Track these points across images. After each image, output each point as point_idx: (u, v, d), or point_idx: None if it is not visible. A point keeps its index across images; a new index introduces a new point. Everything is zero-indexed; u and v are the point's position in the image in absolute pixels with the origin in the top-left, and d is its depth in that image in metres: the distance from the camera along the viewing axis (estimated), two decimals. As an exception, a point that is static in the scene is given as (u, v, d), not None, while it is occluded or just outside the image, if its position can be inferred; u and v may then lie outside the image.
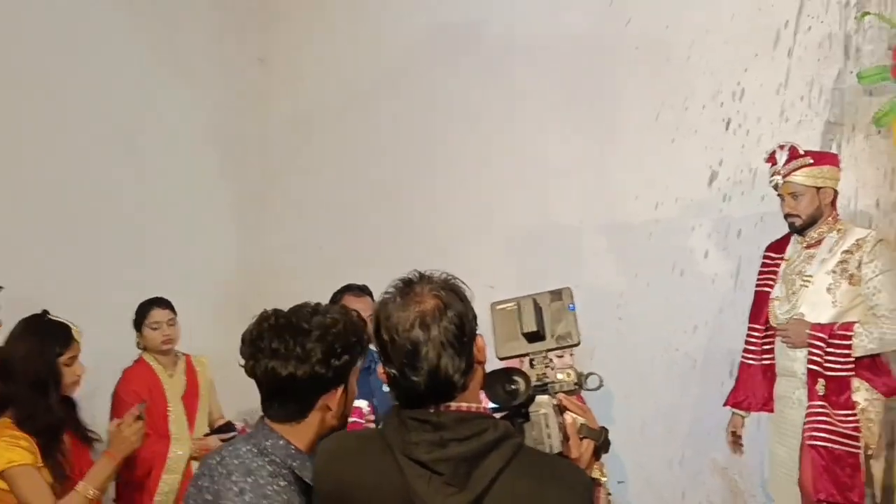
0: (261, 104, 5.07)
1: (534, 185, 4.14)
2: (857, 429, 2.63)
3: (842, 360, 2.65)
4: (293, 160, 4.97)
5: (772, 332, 2.90)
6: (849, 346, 2.64)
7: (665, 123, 3.75)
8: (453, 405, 1.28)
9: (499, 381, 1.37)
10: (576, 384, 1.50)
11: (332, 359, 1.52)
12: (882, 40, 3.25)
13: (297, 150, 4.95)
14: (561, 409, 1.42)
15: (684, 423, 3.72)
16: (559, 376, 1.49)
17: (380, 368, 1.36)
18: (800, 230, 2.84)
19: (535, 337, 1.49)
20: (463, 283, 1.40)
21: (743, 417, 3.03)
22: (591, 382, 1.53)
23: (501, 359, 1.58)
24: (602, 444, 1.42)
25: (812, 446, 2.65)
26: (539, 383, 1.48)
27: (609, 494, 3.15)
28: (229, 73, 4.83)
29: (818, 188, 2.77)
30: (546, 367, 1.50)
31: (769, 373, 2.91)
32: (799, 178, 2.77)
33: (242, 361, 1.55)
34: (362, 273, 4.57)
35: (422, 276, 1.35)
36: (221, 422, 3.21)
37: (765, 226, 3.36)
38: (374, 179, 4.68)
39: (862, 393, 2.68)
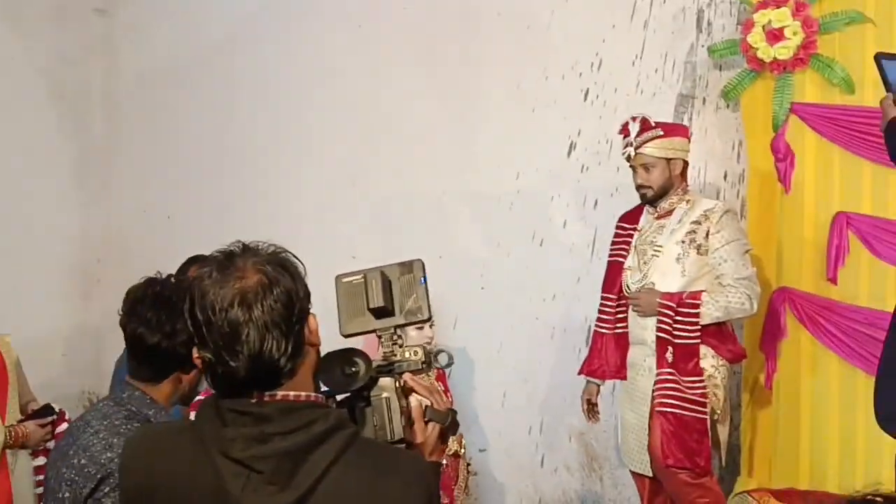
0: (106, 58, 4.70)
1: (397, 152, 4.05)
2: (703, 395, 2.71)
3: (689, 328, 2.72)
4: (142, 120, 4.65)
5: (625, 302, 2.95)
6: (696, 315, 2.71)
7: (526, 92, 3.73)
8: (279, 393, 1.18)
9: (337, 364, 1.27)
10: (424, 363, 1.41)
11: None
12: (732, 15, 3.33)
13: (146, 108, 4.63)
14: (406, 392, 1.34)
15: (543, 391, 3.77)
16: (407, 355, 1.41)
17: (194, 352, 1.24)
18: (651, 201, 2.89)
19: (382, 312, 1.40)
20: (295, 256, 1.28)
21: (598, 385, 3.08)
22: (441, 360, 1.46)
23: (346, 336, 1.48)
24: (449, 426, 1.36)
25: (661, 413, 2.72)
26: (384, 363, 1.39)
27: (469, 465, 3.16)
28: (65, 24, 4.43)
29: (669, 160, 2.82)
30: (394, 344, 1.42)
31: (622, 341, 2.96)
32: (650, 149, 2.81)
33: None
34: (216, 243, 4.36)
35: (245, 249, 1.23)
36: (36, 405, 2.90)
37: (620, 196, 3.40)
38: (229, 144, 4.45)
39: (708, 360, 2.77)
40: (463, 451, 2.90)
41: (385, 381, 1.32)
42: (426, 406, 1.34)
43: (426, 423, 1.33)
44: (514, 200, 3.81)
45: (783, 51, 3.04)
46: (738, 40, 3.19)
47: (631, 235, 2.95)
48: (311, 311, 1.25)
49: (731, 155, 3.36)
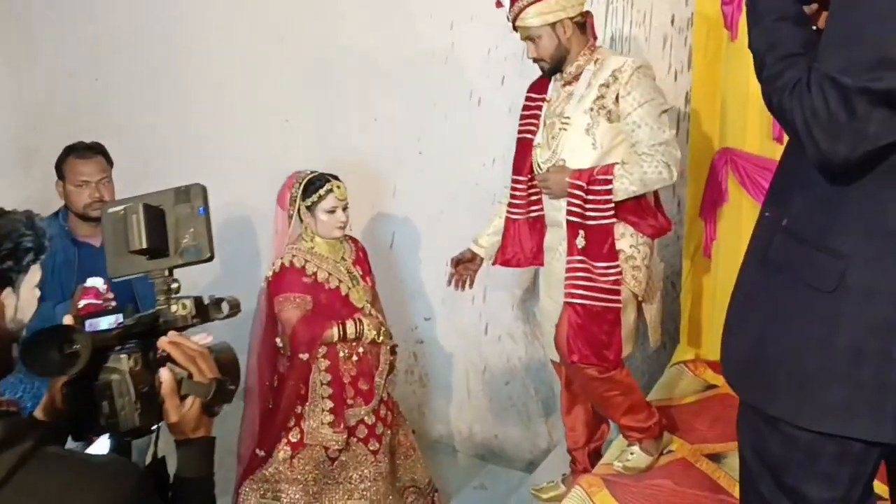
0: None
1: (324, 5, 3.68)
2: (617, 282, 2.42)
3: (602, 206, 2.39)
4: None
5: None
6: (609, 192, 2.37)
7: (458, -70, 3.30)
8: None
9: (51, 344, 1.06)
10: (194, 317, 1.24)
11: None
12: None
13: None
14: (158, 363, 1.16)
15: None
16: (173, 309, 1.23)
17: None
18: (551, 72, 2.52)
19: (152, 253, 1.22)
20: None
21: (476, 255, 2.81)
22: (223, 309, 1.27)
23: (115, 279, 1.28)
24: (214, 397, 1.18)
25: (569, 304, 2.45)
26: (133, 325, 1.18)
27: (394, 348, 3.01)
28: None
29: (553, 24, 2.41)
30: (167, 292, 1.24)
31: (538, 225, 2.65)
32: (529, 19, 2.40)
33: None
34: (146, 105, 4.13)
35: None
36: None
37: None
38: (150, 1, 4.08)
39: (627, 239, 2.46)
40: (381, 337, 2.76)
41: (119, 358, 1.11)
42: (181, 378, 1.16)
43: (183, 398, 1.16)
44: (449, 55, 3.48)
45: None
46: None
47: (539, 108, 2.58)
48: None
49: (680, -2, 2.98)
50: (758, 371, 1.41)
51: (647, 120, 2.34)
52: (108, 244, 1.24)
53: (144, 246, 1.20)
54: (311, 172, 2.74)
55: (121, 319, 1.26)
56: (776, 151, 2.68)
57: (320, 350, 2.68)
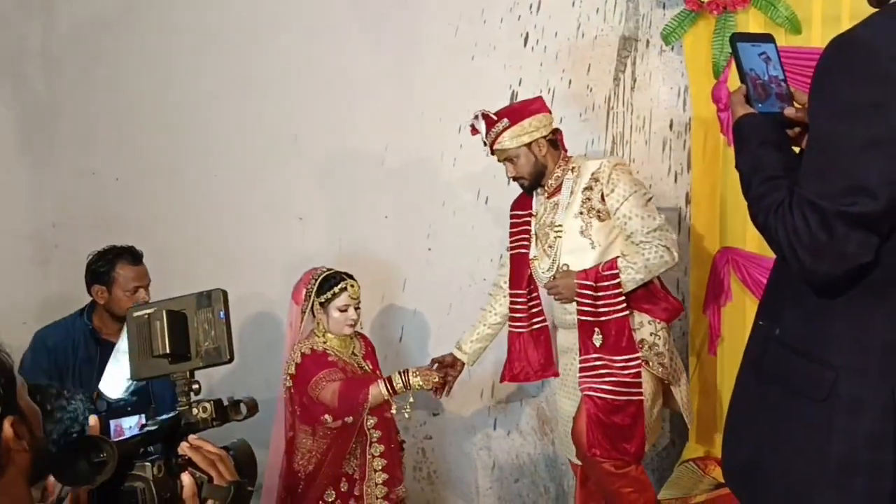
0: (42, 13, 4.49)
1: (337, 107, 3.84)
2: (638, 374, 2.49)
3: (614, 300, 2.50)
4: (82, 75, 4.45)
5: (536, 295, 2.74)
6: (618, 285, 2.48)
7: (464, 38, 3.48)
8: None
9: (80, 454, 1.10)
10: (214, 420, 1.28)
11: None
12: (676, -52, 3.03)
13: (85, 63, 4.42)
14: (180, 467, 1.20)
15: (493, 352, 3.63)
16: (194, 412, 1.27)
17: None
18: (531, 188, 2.67)
19: (175, 357, 1.26)
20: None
21: (458, 360, 2.86)
22: (242, 411, 1.31)
23: (138, 380, 1.35)
24: (232, 501, 1.21)
25: (589, 397, 2.51)
26: (156, 431, 1.22)
27: (403, 443, 3.04)
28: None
29: (528, 144, 2.58)
30: (189, 392, 1.28)
31: (542, 337, 2.74)
32: (505, 143, 2.58)
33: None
34: (164, 204, 4.26)
35: None
36: None
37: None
38: (171, 99, 4.25)
39: (646, 328, 2.55)
40: (430, 385, 2.78)
41: (142, 467, 1.16)
42: (203, 482, 1.20)
43: (202, 501, 1.20)
44: (458, 156, 3.61)
45: (724, -13, 2.76)
46: (681, -24, 2.90)
47: (528, 223, 2.72)
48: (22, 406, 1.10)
49: (677, 102, 3.12)
50: (756, 479, 1.44)
51: (635, 211, 2.46)
52: (131, 347, 1.29)
53: (168, 351, 1.24)
54: (327, 270, 2.83)
55: (143, 420, 1.31)
56: (776, 251, 2.77)
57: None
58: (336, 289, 2.76)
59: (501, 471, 3.69)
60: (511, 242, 2.79)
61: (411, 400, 2.82)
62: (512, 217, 2.81)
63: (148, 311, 1.27)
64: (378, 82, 3.72)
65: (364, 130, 3.81)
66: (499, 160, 2.67)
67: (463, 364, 2.85)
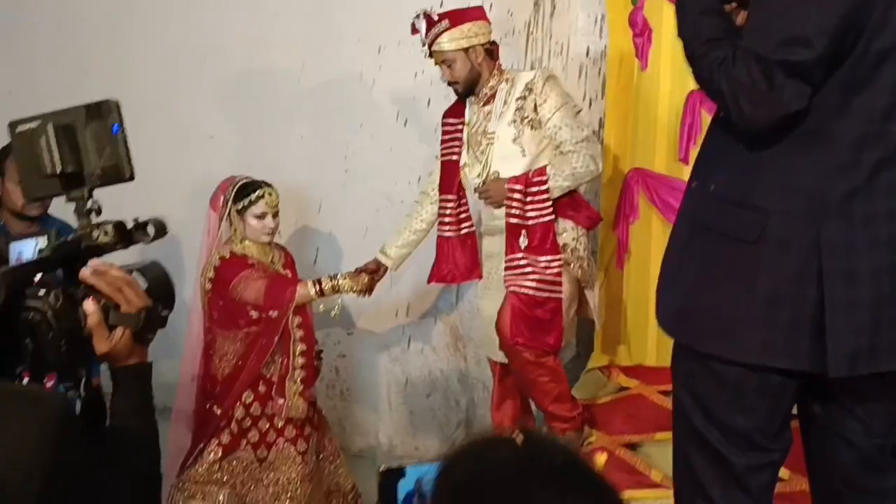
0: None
1: (250, 26, 3.76)
2: (559, 274, 2.66)
3: (541, 205, 2.64)
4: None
5: (465, 201, 2.85)
6: (546, 191, 2.62)
7: (387, -41, 3.47)
8: None
9: None
10: (117, 243, 1.15)
11: None
12: None
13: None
14: (82, 295, 1.10)
15: (409, 274, 3.72)
16: (94, 235, 1.14)
17: None
18: (464, 94, 2.77)
19: (69, 175, 1.13)
20: None
21: (381, 265, 2.98)
22: (148, 232, 1.19)
23: (31, 201, 1.27)
24: (144, 327, 1.13)
25: (513, 292, 2.66)
26: (51, 256, 1.10)
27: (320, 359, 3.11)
28: None
29: (465, 49, 2.67)
30: (87, 215, 1.15)
31: (469, 241, 2.86)
32: (444, 44, 2.67)
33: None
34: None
35: None
36: None
37: None
38: (75, 13, 4.04)
39: (569, 233, 2.71)
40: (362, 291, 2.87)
41: (36, 296, 1.06)
42: (109, 308, 1.10)
43: (112, 328, 1.11)
44: (376, 77, 3.63)
45: (642, -85, 2.89)
46: None
47: (460, 131, 2.82)
48: None
49: (594, 30, 3.24)
50: (691, 317, 1.61)
51: (566, 121, 2.60)
52: (19, 165, 1.18)
53: (58, 171, 1.12)
54: (245, 178, 2.83)
55: (40, 245, 1.25)
56: (683, 172, 2.98)
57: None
58: (253, 196, 2.78)
59: (413, 386, 3.82)
60: (442, 149, 2.88)
61: (339, 301, 2.89)
62: (444, 125, 2.89)
63: (31, 125, 1.14)
64: (293, 3, 3.67)
65: (279, 49, 3.75)
66: (436, 63, 2.75)
67: (386, 268, 2.95)
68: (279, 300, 2.70)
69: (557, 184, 2.61)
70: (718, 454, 1.61)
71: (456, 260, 2.85)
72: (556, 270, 2.62)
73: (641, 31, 2.95)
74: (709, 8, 1.57)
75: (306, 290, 2.75)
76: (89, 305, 1.09)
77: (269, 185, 2.82)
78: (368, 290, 2.90)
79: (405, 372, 3.81)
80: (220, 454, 2.72)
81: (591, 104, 3.29)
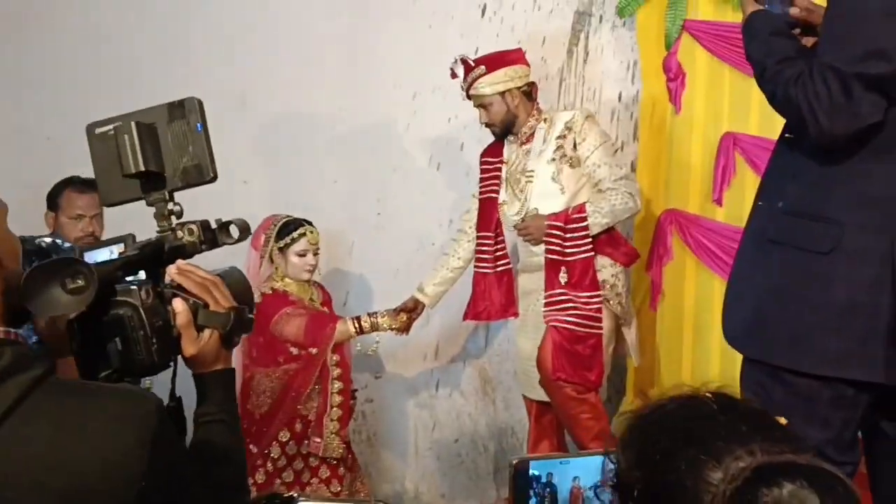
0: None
1: (286, 72, 3.86)
2: (599, 310, 2.68)
3: (581, 242, 2.68)
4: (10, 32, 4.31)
5: (502, 238, 2.90)
6: (586, 227, 2.66)
7: (422, 7, 3.58)
8: None
9: (55, 280, 0.93)
10: (203, 243, 1.13)
11: None
12: (629, -70, 3.23)
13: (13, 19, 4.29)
14: (170, 294, 1.07)
15: (438, 316, 3.72)
16: (179, 235, 1.12)
17: None
18: (502, 136, 2.84)
19: (150, 175, 1.10)
20: None
21: (419, 302, 3.01)
22: (233, 233, 1.16)
23: (109, 205, 1.17)
24: (233, 328, 1.10)
25: (554, 328, 2.68)
26: (137, 253, 1.06)
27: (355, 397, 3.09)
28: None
29: (502, 93, 2.75)
30: (169, 217, 1.12)
31: (505, 278, 2.90)
32: (481, 89, 2.76)
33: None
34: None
35: None
36: None
37: None
38: (106, 61, 4.15)
39: (608, 269, 2.75)
40: (398, 329, 2.87)
41: (127, 292, 1.02)
42: (198, 307, 1.07)
43: (200, 329, 1.07)
44: (411, 122, 3.70)
45: (676, -34, 2.98)
46: (634, -44, 3.11)
47: (499, 169, 2.89)
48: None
49: (626, 76, 3.31)
50: (759, 330, 1.61)
51: (604, 160, 2.65)
52: (97, 169, 1.13)
53: (141, 169, 1.08)
54: (287, 216, 2.88)
55: (121, 248, 1.23)
56: (716, 213, 3.00)
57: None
58: (295, 234, 2.83)
59: (441, 431, 3.77)
60: (481, 187, 2.94)
61: (378, 340, 2.89)
62: (483, 164, 2.96)
63: (112, 126, 1.11)
64: (332, 46, 3.76)
65: (314, 96, 3.85)
66: (474, 105, 2.83)
67: (424, 306, 2.96)
68: (319, 336, 2.71)
69: (596, 220, 2.65)
70: None
71: (492, 297, 2.89)
72: (596, 306, 2.64)
73: (675, 76, 3.00)
74: (779, 30, 1.63)
75: (346, 326, 2.76)
76: (178, 304, 1.06)
77: (310, 224, 2.88)
78: (406, 328, 2.92)
79: (433, 416, 3.78)
80: (253, 494, 2.69)
81: (623, 147, 3.33)
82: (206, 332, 1.08)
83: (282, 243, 2.83)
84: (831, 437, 1.58)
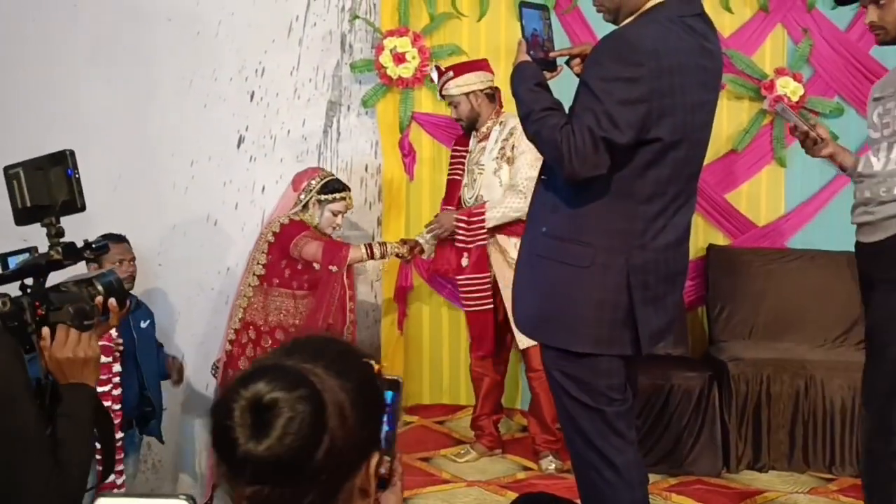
0: None
1: (73, 140, 4.22)
2: (488, 288, 3.41)
3: (479, 232, 3.34)
4: None
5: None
6: (482, 222, 3.31)
7: (198, 90, 4.21)
8: None
9: None
10: (65, 259, 1.52)
11: None
12: (367, 40, 4.19)
13: None
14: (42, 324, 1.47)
15: (216, 353, 4.28)
16: (51, 254, 1.52)
17: None
18: (467, 131, 3.51)
19: (38, 208, 1.51)
20: None
21: (419, 243, 3.58)
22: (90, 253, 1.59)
23: (21, 225, 1.56)
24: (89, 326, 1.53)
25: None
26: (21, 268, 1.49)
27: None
28: None
29: (467, 94, 3.41)
30: (56, 237, 1.52)
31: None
32: (451, 90, 3.42)
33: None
34: None
35: None
36: None
37: (283, 182, 3.94)
38: None
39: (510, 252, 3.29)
40: (409, 255, 3.54)
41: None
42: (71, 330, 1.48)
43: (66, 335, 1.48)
44: (189, 185, 4.28)
45: (405, 70, 3.98)
46: (373, 60, 4.07)
47: (464, 156, 3.53)
48: None
49: (371, 151, 4.23)
50: (542, 323, 2.22)
51: (526, 160, 3.28)
52: (10, 199, 1.54)
53: (28, 205, 1.50)
54: (332, 174, 3.52)
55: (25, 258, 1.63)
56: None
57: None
58: (338, 195, 3.41)
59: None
60: (450, 169, 3.62)
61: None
62: (453, 150, 3.64)
63: (15, 170, 1.53)
64: (113, 117, 4.22)
65: (99, 162, 4.24)
66: (447, 104, 3.54)
67: (422, 249, 3.55)
68: (336, 257, 3.24)
69: (491, 215, 3.31)
70: (591, 408, 2.14)
71: (450, 260, 3.48)
72: (487, 284, 3.44)
73: (408, 153, 4.01)
74: (544, 84, 2.12)
75: (359, 251, 3.31)
76: (46, 331, 1.48)
77: (350, 191, 3.49)
78: (410, 258, 3.53)
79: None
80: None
81: (371, 207, 4.23)
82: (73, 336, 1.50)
83: (323, 197, 3.36)
84: (614, 384, 2.14)
